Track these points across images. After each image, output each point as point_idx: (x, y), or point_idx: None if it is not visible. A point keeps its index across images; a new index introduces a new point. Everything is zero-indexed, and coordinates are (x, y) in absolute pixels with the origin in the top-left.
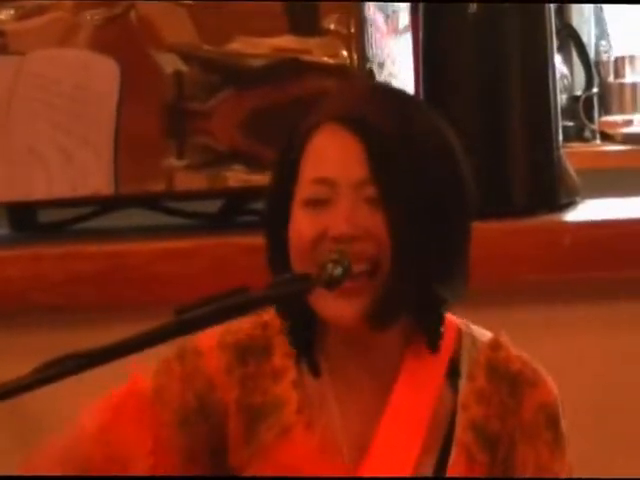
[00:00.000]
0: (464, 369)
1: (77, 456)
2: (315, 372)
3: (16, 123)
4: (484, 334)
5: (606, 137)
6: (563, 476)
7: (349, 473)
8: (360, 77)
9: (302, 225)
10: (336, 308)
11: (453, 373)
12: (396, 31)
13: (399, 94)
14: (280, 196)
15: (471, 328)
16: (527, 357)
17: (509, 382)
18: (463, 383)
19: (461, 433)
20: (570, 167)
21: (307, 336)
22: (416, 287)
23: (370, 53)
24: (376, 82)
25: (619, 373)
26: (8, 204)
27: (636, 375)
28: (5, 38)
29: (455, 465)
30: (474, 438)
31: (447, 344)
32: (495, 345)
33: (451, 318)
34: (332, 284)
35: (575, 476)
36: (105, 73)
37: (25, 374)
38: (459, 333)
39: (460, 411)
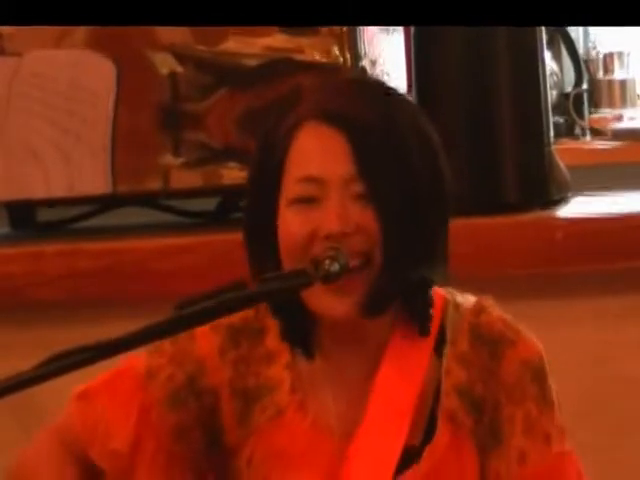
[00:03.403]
0: (448, 337)
1: (63, 428)
2: (308, 356)
3: (14, 122)
4: (468, 299)
5: (596, 133)
6: (554, 432)
7: (341, 453)
8: (337, 71)
9: (292, 225)
10: (329, 304)
11: (439, 343)
12: (388, 29)
13: (376, 86)
14: (264, 197)
15: (455, 295)
16: (510, 318)
17: (490, 344)
18: (447, 349)
19: (446, 399)
20: (561, 163)
21: (297, 323)
22: (407, 276)
23: (362, 51)
24: (353, 75)
25: (613, 366)
26: (7, 203)
27: (630, 367)
28: (1, 40)
29: (441, 431)
30: (459, 402)
31: (434, 317)
32: (478, 309)
33: (437, 290)
34: (329, 280)
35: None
36: (101, 72)
37: (31, 367)
38: (445, 302)
39: (444, 378)
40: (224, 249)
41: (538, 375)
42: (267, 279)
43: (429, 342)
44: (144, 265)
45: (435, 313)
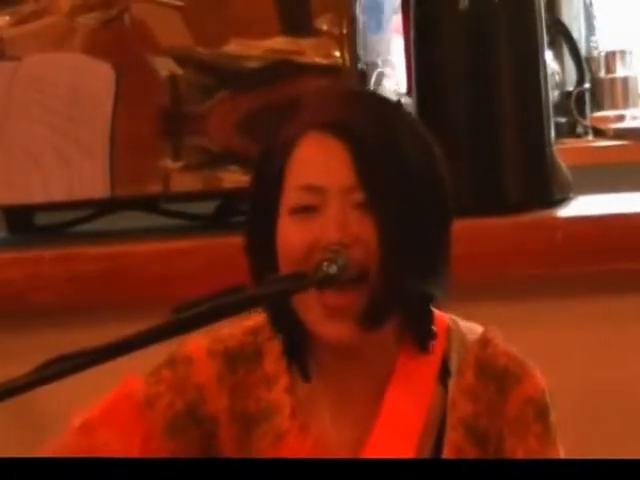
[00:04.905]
0: (453, 369)
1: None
2: (305, 378)
3: (13, 126)
4: (473, 331)
5: (598, 133)
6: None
7: None
8: (335, 83)
9: (291, 234)
10: (328, 329)
11: (444, 373)
12: (388, 31)
13: (375, 98)
14: (264, 206)
15: (459, 325)
16: (515, 351)
17: (496, 379)
18: (452, 381)
19: (451, 432)
20: (562, 163)
21: (297, 344)
22: (406, 289)
23: (362, 53)
24: (351, 87)
25: (613, 367)
26: (5, 207)
27: (630, 368)
28: (1, 44)
29: None
30: (464, 436)
31: (438, 344)
32: (484, 343)
33: (440, 315)
34: (327, 282)
35: None
36: (100, 76)
37: (25, 373)
38: (449, 332)
39: (450, 410)
40: (223, 253)
41: (542, 412)
42: (265, 282)
43: (434, 367)
44: (143, 269)
45: (438, 340)
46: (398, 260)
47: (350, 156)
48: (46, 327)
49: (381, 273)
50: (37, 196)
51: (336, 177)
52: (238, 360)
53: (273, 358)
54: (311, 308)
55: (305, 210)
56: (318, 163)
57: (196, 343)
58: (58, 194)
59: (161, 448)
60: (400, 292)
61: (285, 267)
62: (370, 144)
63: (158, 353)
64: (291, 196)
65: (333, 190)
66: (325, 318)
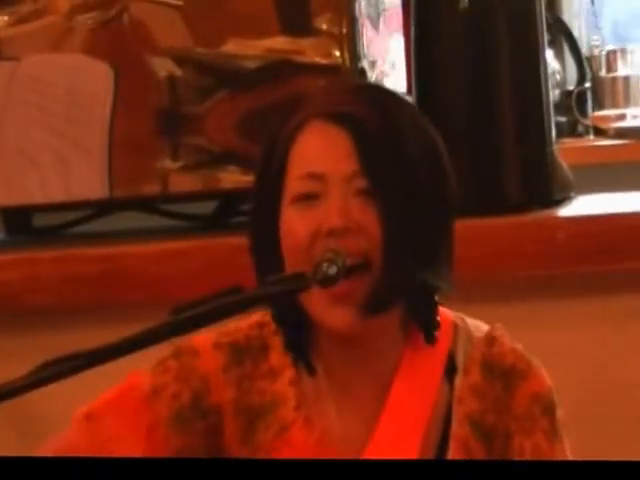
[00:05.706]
0: (460, 365)
1: (69, 448)
2: (310, 371)
3: (11, 127)
4: (479, 328)
5: (599, 132)
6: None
7: None
8: (340, 77)
9: (294, 223)
10: (331, 316)
11: (450, 368)
12: (388, 30)
13: (379, 89)
14: (268, 197)
15: (466, 322)
16: (521, 349)
17: (503, 376)
18: (459, 378)
19: (457, 427)
20: (563, 163)
21: (300, 337)
22: (408, 276)
23: (362, 52)
24: (355, 80)
25: (615, 367)
26: (3, 208)
27: (630, 368)
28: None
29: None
30: (471, 432)
31: (444, 339)
32: (490, 340)
33: (446, 312)
34: (327, 283)
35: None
36: (99, 77)
37: (23, 375)
38: (455, 328)
39: (456, 405)
40: (222, 253)
41: (548, 409)
42: (265, 282)
43: (439, 363)
44: (141, 270)
45: (444, 335)
46: (400, 247)
47: (352, 143)
48: (44, 328)
49: (384, 260)
50: (35, 197)
51: (338, 164)
52: (244, 352)
53: (279, 352)
54: (314, 296)
55: (307, 198)
56: (320, 151)
57: (202, 336)
58: (56, 195)
59: (167, 438)
60: (402, 279)
61: (289, 256)
62: (372, 131)
63: (157, 355)
64: (293, 185)
65: (335, 177)
66: (328, 305)
